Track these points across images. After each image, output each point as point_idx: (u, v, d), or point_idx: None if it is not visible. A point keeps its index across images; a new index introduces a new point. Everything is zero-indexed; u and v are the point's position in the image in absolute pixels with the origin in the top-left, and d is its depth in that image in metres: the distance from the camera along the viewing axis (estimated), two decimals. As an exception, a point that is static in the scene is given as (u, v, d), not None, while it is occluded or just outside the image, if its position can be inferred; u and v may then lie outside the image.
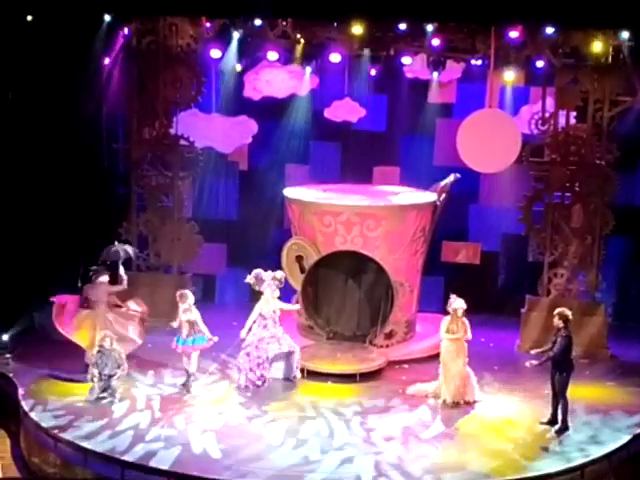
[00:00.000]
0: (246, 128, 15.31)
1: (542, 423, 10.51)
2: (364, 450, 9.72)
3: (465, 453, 9.72)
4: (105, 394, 10.82)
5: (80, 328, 11.39)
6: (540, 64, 13.14)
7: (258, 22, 13.15)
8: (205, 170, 14.64)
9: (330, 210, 12.62)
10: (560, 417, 10.40)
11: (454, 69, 14.38)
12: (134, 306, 11.74)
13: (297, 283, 12.83)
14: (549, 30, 12.35)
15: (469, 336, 11.06)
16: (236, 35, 13.54)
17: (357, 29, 12.76)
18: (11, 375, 11.65)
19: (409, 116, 15.01)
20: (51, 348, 11.89)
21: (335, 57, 13.70)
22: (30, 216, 13.80)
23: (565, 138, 13.11)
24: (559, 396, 10.41)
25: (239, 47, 13.73)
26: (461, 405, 10.99)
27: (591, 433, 10.31)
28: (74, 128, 13.80)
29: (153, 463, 9.27)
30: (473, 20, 12.38)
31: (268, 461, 9.39)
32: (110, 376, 10.84)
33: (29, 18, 12.75)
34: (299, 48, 13.76)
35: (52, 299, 11.54)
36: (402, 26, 12.80)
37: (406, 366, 12.41)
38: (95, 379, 10.81)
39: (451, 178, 13.20)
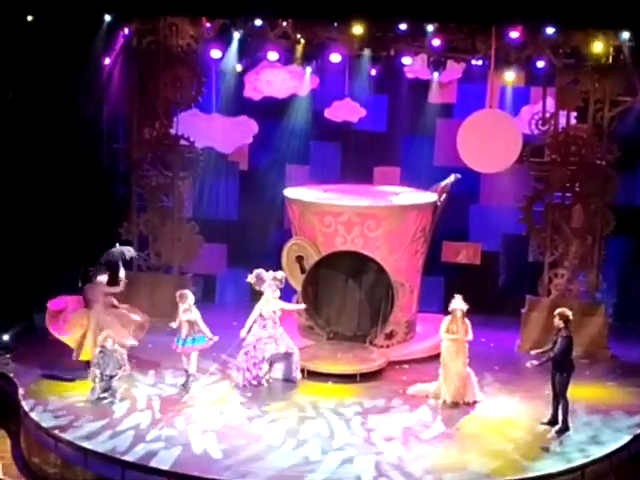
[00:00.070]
0: (246, 128, 15.31)
1: (542, 423, 10.51)
2: (364, 450, 9.72)
3: (465, 453, 9.72)
4: (106, 394, 10.82)
5: (72, 328, 11.38)
6: (541, 64, 13.13)
7: (258, 22, 13.14)
8: (205, 170, 14.64)
9: (330, 210, 12.62)
10: (560, 417, 10.40)
11: (454, 69, 14.38)
12: (134, 316, 11.69)
13: (297, 283, 12.83)
14: (550, 30, 12.34)
15: (469, 337, 11.05)
16: (236, 35, 13.53)
17: (357, 29, 12.76)
18: (11, 375, 11.65)
19: (409, 116, 15.00)
20: (51, 348, 11.88)
21: (335, 57, 13.70)
22: (30, 216, 13.81)
23: (565, 138, 13.11)
24: (559, 396, 10.40)
25: (239, 47, 13.73)
26: (461, 405, 10.99)
27: (591, 433, 10.31)
28: (74, 128, 13.81)
29: (153, 463, 9.27)
30: (473, 20, 12.37)
31: (268, 461, 9.39)
32: (111, 376, 10.84)
33: (29, 18, 12.74)
34: (299, 48, 13.75)
35: (48, 303, 11.53)
36: (402, 26, 12.79)
37: (406, 366, 12.41)
38: (97, 379, 10.81)
39: (451, 178, 13.20)
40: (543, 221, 13.33)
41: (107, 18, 13.02)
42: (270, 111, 15.13)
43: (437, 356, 11.47)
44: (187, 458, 9.41)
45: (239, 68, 14.58)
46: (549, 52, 12.78)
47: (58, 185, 13.96)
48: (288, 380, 11.64)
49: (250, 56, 14.24)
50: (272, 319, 11.54)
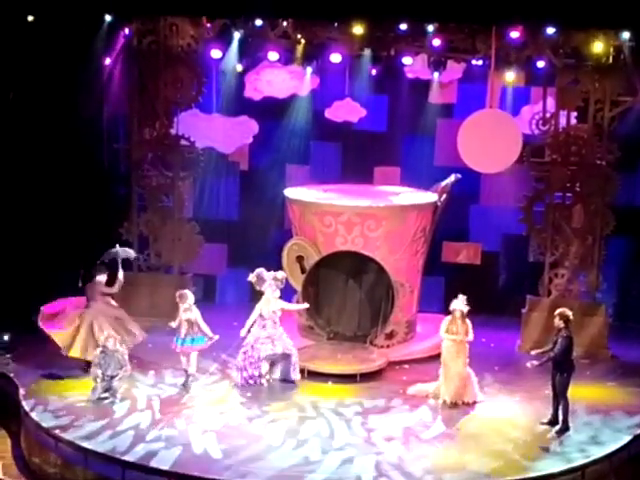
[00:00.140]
0: (247, 128, 15.32)
1: (543, 423, 10.51)
2: (365, 450, 9.72)
3: (466, 453, 9.72)
4: (107, 394, 10.82)
5: (68, 324, 11.41)
6: (541, 64, 13.12)
7: (259, 22, 13.15)
8: (206, 170, 14.65)
9: (331, 210, 12.62)
10: (561, 417, 10.40)
11: (455, 69, 14.38)
12: (131, 327, 11.65)
13: (298, 283, 12.83)
14: (550, 30, 12.34)
15: (470, 338, 11.04)
16: (237, 35, 13.54)
17: (358, 29, 12.76)
18: (12, 375, 11.65)
19: (410, 116, 15.00)
20: (52, 348, 11.86)
21: (336, 57, 13.69)
22: (31, 216, 13.81)
23: (566, 138, 13.11)
24: (560, 396, 10.40)
25: (240, 47, 13.73)
26: (460, 406, 10.99)
27: (592, 433, 10.31)
28: (75, 128, 13.81)
29: (154, 463, 9.27)
30: (474, 20, 12.37)
31: (268, 461, 9.39)
32: (112, 377, 10.84)
33: (30, 18, 12.74)
34: (300, 48, 13.75)
35: (43, 308, 11.55)
36: (403, 26, 12.79)
37: (407, 366, 12.41)
38: (98, 379, 10.81)
39: (452, 178, 13.19)
40: (543, 221, 13.33)
41: (107, 18, 13.03)
42: (270, 111, 15.13)
43: (437, 356, 11.47)
44: (187, 458, 9.41)
45: (239, 68, 14.58)
46: (549, 52, 12.78)
47: (58, 185, 13.96)
48: (286, 381, 11.63)
49: (250, 56, 14.24)
50: (272, 319, 11.54)
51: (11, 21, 12.75)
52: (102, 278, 11.66)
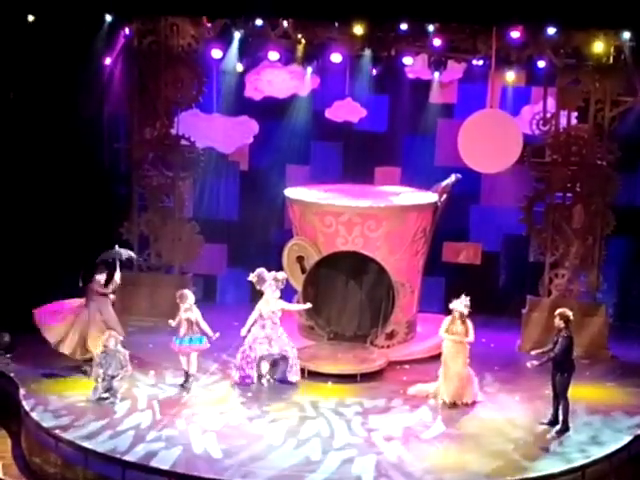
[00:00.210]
0: (247, 128, 15.31)
1: (543, 424, 10.51)
2: (365, 450, 9.72)
3: (466, 453, 9.72)
4: (107, 394, 10.81)
5: (63, 319, 11.44)
6: (541, 64, 13.13)
7: (259, 22, 13.15)
8: (206, 170, 14.64)
9: (331, 210, 12.62)
10: (561, 418, 10.40)
11: (455, 69, 14.38)
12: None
13: (298, 283, 12.82)
14: (550, 30, 12.33)
15: (470, 339, 11.03)
16: (237, 35, 13.55)
17: (358, 29, 12.75)
18: (12, 375, 11.65)
19: (410, 116, 14.99)
20: (52, 348, 11.86)
21: (336, 57, 13.69)
22: (31, 216, 13.81)
23: (566, 138, 13.11)
24: (560, 397, 10.40)
25: (240, 47, 13.74)
26: (459, 406, 10.99)
27: (592, 434, 10.31)
28: (75, 128, 13.82)
29: (154, 463, 9.27)
30: (474, 20, 12.36)
31: (269, 461, 9.39)
32: (113, 377, 10.84)
33: (30, 18, 12.74)
34: (300, 48, 13.74)
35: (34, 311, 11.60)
36: (403, 26, 12.79)
37: (407, 366, 12.41)
38: (99, 379, 10.81)
39: (452, 178, 13.19)
40: (544, 221, 13.33)
41: (108, 18, 13.02)
42: (271, 111, 15.13)
43: (438, 356, 11.47)
44: (187, 458, 9.41)
45: (240, 68, 14.57)
46: (550, 52, 12.77)
47: (59, 185, 13.96)
48: (284, 382, 11.62)
49: (251, 56, 14.24)
50: (271, 319, 11.54)
51: (11, 21, 12.74)
52: (101, 278, 11.66)
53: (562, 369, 10.33)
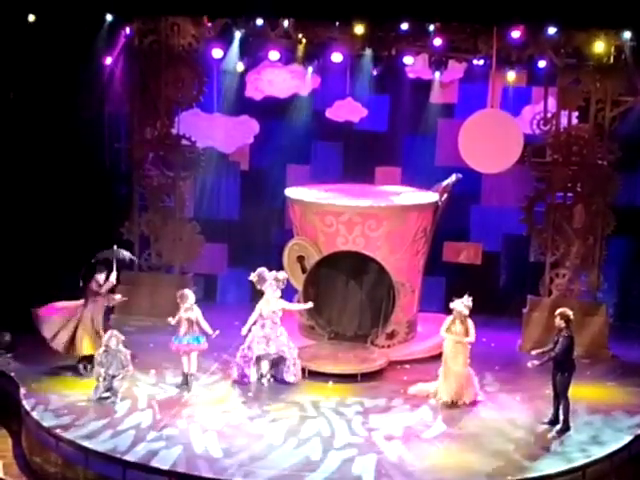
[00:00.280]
0: (248, 128, 15.31)
1: (543, 423, 10.51)
2: (365, 450, 9.72)
3: (466, 453, 9.72)
4: (108, 394, 10.82)
5: (61, 314, 11.47)
6: (542, 64, 13.12)
7: (260, 22, 13.15)
8: (207, 170, 14.66)
9: (332, 210, 12.62)
10: (561, 417, 10.40)
11: (456, 69, 14.37)
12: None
13: (298, 283, 12.82)
14: (551, 30, 12.34)
15: (470, 339, 11.03)
16: (238, 35, 13.54)
17: (359, 29, 12.76)
18: (13, 374, 11.65)
19: (411, 116, 14.99)
20: (53, 347, 11.86)
21: (337, 57, 13.67)
22: (32, 216, 13.82)
23: (567, 138, 13.11)
24: (560, 396, 10.40)
25: (241, 47, 13.73)
26: (458, 405, 10.98)
27: (592, 433, 10.31)
28: (76, 128, 13.83)
29: (154, 463, 9.27)
30: (475, 20, 12.36)
31: (269, 461, 9.39)
32: (114, 376, 10.84)
33: (31, 18, 12.74)
34: (301, 48, 13.72)
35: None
36: (404, 26, 12.79)
37: (407, 366, 12.41)
38: (100, 378, 10.81)
39: (453, 178, 13.19)
40: (544, 221, 13.33)
41: (109, 18, 13.02)
42: (271, 111, 15.13)
43: (438, 356, 11.48)
44: (188, 458, 9.41)
45: (240, 68, 14.56)
46: (551, 52, 12.77)
47: (60, 185, 13.97)
48: (282, 382, 11.62)
49: (251, 56, 14.23)
50: (271, 319, 11.54)
51: (12, 21, 12.74)
52: (100, 278, 11.66)
53: (563, 369, 10.33)
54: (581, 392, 10.96)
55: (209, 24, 13.50)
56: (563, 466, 9.46)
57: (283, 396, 11.25)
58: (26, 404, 10.66)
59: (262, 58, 14.40)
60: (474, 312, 11.19)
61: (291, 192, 13.39)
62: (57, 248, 13.77)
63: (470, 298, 11.03)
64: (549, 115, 13.22)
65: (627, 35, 12.27)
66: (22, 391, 11.04)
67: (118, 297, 12.10)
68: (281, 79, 15.01)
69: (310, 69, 14.76)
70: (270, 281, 11.58)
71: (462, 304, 11.02)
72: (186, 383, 11.27)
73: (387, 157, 15.18)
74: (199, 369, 11.53)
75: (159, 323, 12.17)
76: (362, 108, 15.07)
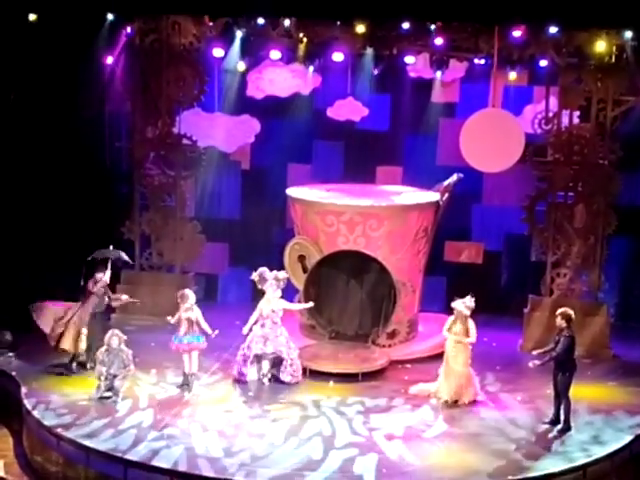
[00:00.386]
0: (249, 127, 15.30)
1: (544, 423, 10.51)
2: (366, 449, 9.72)
3: (467, 453, 9.72)
4: (110, 393, 10.82)
5: (61, 310, 11.53)
6: (543, 63, 13.11)
7: (261, 21, 13.15)
8: (208, 169, 14.65)
9: (333, 210, 12.61)
10: (562, 417, 10.40)
11: (457, 68, 14.36)
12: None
13: (299, 283, 12.82)
14: (552, 30, 12.32)
15: (470, 339, 11.02)
16: (239, 34, 13.54)
17: (360, 28, 12.76)
18: (14, 373, 11.66)
19: (412, 115, 14.97)
20: (53, 347, 11.86)
21: (338, 56, 13.66)
22: (32, 215, 13.82)
23: (568, 138, 13.10)
24: (561, 396, 10.40)
25: (242, 46, 13.74)
26: (458, 405, 10.98)
27: (593, 433, 10.31)
28: (77, 127, 13.81)
29: (155, 462, 9.28)
30: (476, 19, 12.35)
31: (270, 460, 9.40)
32: (115, 375, 10.84)
33: (32, 17, 12.74)
34: (302, 47, 13.71)
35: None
36: (405, 25, 12.78)
37: (408, 366, 12.41)
38: (102, 377, 10.82)
39: (454, 178, 13.18)
40: (546, 220, 13.32)
41: (110, 17, 13.02)
42: (272, 110, 15.12)
43: (439, 356, 11.48)
44: (189, 457, 9.41)
45: (241, 67, 14.56)
46: (552, 51, 12.76)
47: (60, 184, 13.96)
48: (280, 381, 11.61)
49: (252, 55, 14.22)
50: (271, 319, 11.54)
51: (13, 20, 12.74)
52: (99, 276, 11.68)
53: (564, 368, 10.32)
54: (582, 392, 10.96)
55: (210, 23, 13.49)
56: (564, 466, 9.46)
57: (284, 396, 11.25)
58: (27, 403, 10.67)
59: (263, 57, 14.39)
60: (475, 311, 11.18)
61: (292, 191, 13.39)
62: (58, 247, 13.76)
63: (472, 299, 11.02)
64: (550, 114, 13.21)
65: (628, 35, 12.26)
66: (23, 390, 11.04)
67: (125, 297, 12.11)
68: (282, 78, 15.00)
69: (311, 68, 14.74)
70: (270, 281, 11.58)
71: (463, 304, 11.02)
72: (187, 383, 11.27)
73: (388, 156, 15.16)
74: (200, 369, 11.52)
75: (160, 322, 12.16)
76: (363, 107, 15.05)
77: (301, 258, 12.88)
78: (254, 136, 15.36)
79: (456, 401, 11.01)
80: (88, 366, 11.61)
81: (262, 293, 11.67)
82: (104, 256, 11.90)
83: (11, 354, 12.28)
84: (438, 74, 14.41)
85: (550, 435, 10.25)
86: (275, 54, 13.80)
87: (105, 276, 11.73)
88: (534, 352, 10.86)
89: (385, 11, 12.02)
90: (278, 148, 15.15)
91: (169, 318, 11.27)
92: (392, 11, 12.03)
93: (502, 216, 14.80)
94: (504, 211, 14.69)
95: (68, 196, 14.03)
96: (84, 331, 11.51)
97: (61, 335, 11.47)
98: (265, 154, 15.33)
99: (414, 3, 11.88)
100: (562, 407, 10.40)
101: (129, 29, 13.57)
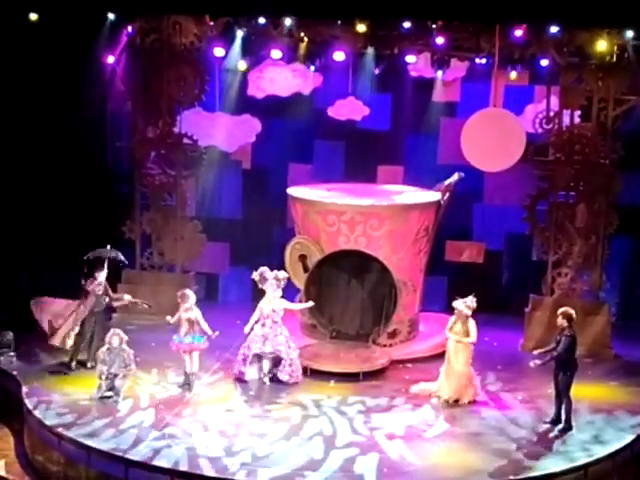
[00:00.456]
0: (250, 127, 15.30)
1: (545, 422, 10.50)
2: (367, 449, 9.71)
3: (468, 452, 9.71)
4: (111, 393, 10.81)
5: (62, 306, 11.59)
6: (545, 63, 13.11)
7: (262, 20, 13.15)
8: (208, 169, 14.65)
9: (334, 209, 12.61)
10: (564, 417, 10.39)
11: (458, 68, 14.35)
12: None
13: (300, 282, 12.82)
14: (554, 29, 12.32)
15: (471, 339, 11.01)
16: (240, 33, 13.55)
17: (361, 27, 12.76)
18: (15, 373, 11.67)
19: (413, 115, 14.97)
20: (55, 346, 11.86)
21: (339, 55, 13.66)
22: (33, 215, 13.82)
23: (569, 137, 13.09)
24: (563, 396, 10.39)
25: (243, 45, 13.75)
26: (458, 404, 10.97)
27: (595, 433, 10.30)
28: (78, 126, 13.82)
29: (157, 461, 9.28)
30: (477, 19, 12.35)
31: (271, 460, 9.39)
32: (115, 375, 10.83)
33: (33, 17, 12.74)
34: (303, 46, 13.72)
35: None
36: (406, 24, 12.78)
37: (409, 365, 12.40)
38: (103, 376, 10.82)
39: (455, 177, 13.18)
40: (547, 220, 13.31)
41: (111, 16, 13.02)
42: (273, 109, 15.12)
43: (440, 355, 11.48)
44: (190, 456, 9.41)
45: (242, 66, 14.56)
46: (553, 51, 12.75)
47: (61, 184, 13.97)
48: (279, 381, 11.61)
49: (253, 54, 14.22)
50: (271, 318, 11.54)
51: (14, 20, 12.74)
52: (98, 275, 11.69)
53: (565, 368, 10.32)
54: (583, 391, 10.95)
55: (211, 23, 13.50)
56: (565, 465, 9.45)
57: (285, 395, 11.25)
58: (28, 403, 10.67)
59: (264, 57, 14.38)
60: (476, 311, 11.17)
61: (293, 191, 13.39)
62: (58, 247, 13.76)
63: (474, 299, 11.01)
64: (551, 114, 13.20)
65: (630, 34, 12.26)
66: (24, 390, 11.04)
67: (127, 297, 12.10)
68: (283, 78, 14.99)
69: (312, 68, 14.73)
70: (271, 280, 11.59)
71: (464, 304, 11.01)
72: (188, 382, 11.26)
73: (389, 156, 15.16)
74: (201, 368, 11.52)
75: (161, 322, 12.15)
76: (364, 107, 15.04)
77: (302, 258, 12.87)
78: (255, 135, 15.35)
79: (457, 400, 11.01)
80: (89, 365, 11.63)
81: (263, 293, 11.67)
82: (100, 255, 11.90)
83: (12, 354, 12.27)
84: (439, 73, 14.41)
85: (551, 435, 10.24)
86: (276, 53, 13.79)
87: (100, 276, 11.73)
88: (535, 352, 10.86)
89: (386, 10, 12.01)
90: (279, 147, 15.15)
91: (169, 318, 11.27)
92: (393, 10, 12.02)
93: (503, 215, 14.79)
94: (505, 210, 14.69)
95: (69, 196, 14.04)
96: (76, 329, 11.51)
97: (54, 330, 11.48)
98: (266, 153, 15.33)
99: (415, 2, 11.88)
100: (563, 407, 10.40)
101: (130, 29, 13.58)
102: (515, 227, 14.22)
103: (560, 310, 10.52)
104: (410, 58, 13.89)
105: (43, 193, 13.87)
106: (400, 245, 12.69)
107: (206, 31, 13.59)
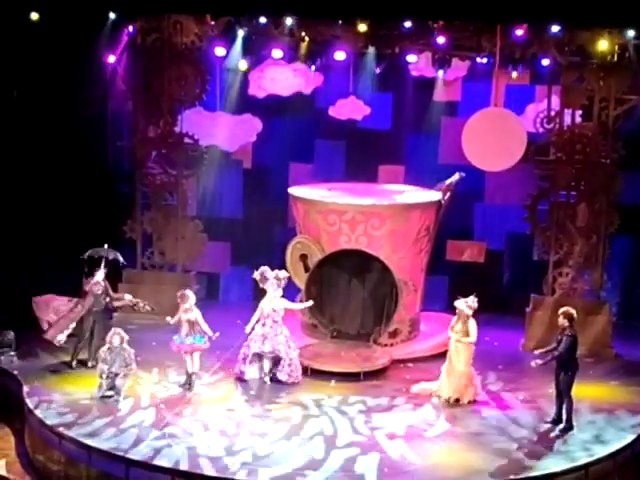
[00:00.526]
0: (250, 126, 15.30)
1: (546, 422, 10.50)
2: (368, 449, 9.71)
3: (469, 452, 9.71)
4: (111, 392, 10.82)
5: (63, 304, 11.63)
6: (546, 62, 13.10)
7: (263, 20, 13.15)
8: (209, 168, 14.65)
9: (335, 209, 12.61)
10: (565, 416, 10.39)
11: (459, 67, 14.34)
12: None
13: (301, 282, 12.82)
14: (555, 28, 12.31)
15: (471, 339, 11.00)
16: (241, 33, 13.54)
17: (362, 27, 12.75)
18: (16, 372, 11.67)
19: (414, 114, 14.97)
20: (55, 345, 11.88)
21: (340, 55, 13.65)
22: (34, 215, 13.83)
23: (570, 137, 13.08)
24: (564, 395, 10.39)
25: (244, 45, 13.73)
26: (459, 404, 10.96)
27: (595, 432, 10.29)
28: (79, 126, 13.83)
29: (157, 461, 9.28)
30: (479, 18, 12.35)
31: (272, 459, 9.39)
32: (116, 374, 10.84)
33: (34, 16, 12.74)
34: (304, 46, 13.71)
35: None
36: (407, 24, 12.77)
37: (410, 365, 12.40)
38: (103, 375, 10.82)
39: (456, 177, 13.18)
40: (548, 220, 13.31)
41: (112, 16, 13.03)
42: (274, 109, 15.11)
43: (441, 355, 11.48)
44: (190, 456, 9.41)
45: (243, 66, 14.55)
46: (554, 50, 12.74)
47: (62, 183, 13.98)
48: (275, 380, 11.62)
49: (254, 54, 14.21)
50: (272, 318, 11.54)
51: (15, 19, 12.75)
52: (97, 274, 11.70)
53: (566, 368, 10.31)
54: (584, 391, 10.95)
55: (212, 22, 13.50)
56: (566, 465, 9.44)
57: (286, 395, 11.25)
58: (29, 402, 10.68)
59: (265, 56, 14.38)
60: (477, 311, 11.16)
61: (294, 190, 13.39)
62: (59, 247, 13.77)
63: (475, 299, 11.01)
64: (552, 113, 13.20)
65: (631, 33, 12.25)
66: (25, 389, 11.05)
67: (128, 297, 12.10)
68: (284, 77, 14.98)
69: (313, 67, 14.73)
70: (272, 280, 11.59)
71: (465, 304, 11.01)
72: (189, 382, 11.26)
73: (390, 155, 15.16)
74: (201, 368, 11.52)
75: (162, 321, 12.16)
76: (365, 106, 15.03)
77: (303, 257, 12.87)
78: (256, 135, 15.35)
79: (457, 400, 11.01)
80: (90, 364, 11.64)
81: (264, 292, 11.67)
82: (98, 254, 11.91)
83: (13, 353, 12.28)
84: (440, 73, 14.39)
85: (552, 434, 10.24)
86: (277, 53, 13.79)
87: (98, 275, 11.73)
88: (536, 351, 10.84)
89: (387, 10, 12.02)
90: (280, 147, 15.15)
91: (169, 319, 11.27)
92: (394, 10, 12.03)
93: (504, 215, 14.79)
94: (506, 210, 14.68)
95: (70, 195, 14.04)
96: (70, 327, 11.52)
97: (49, 325, 11.50)
98: (267, 153, 15.33)
99: (416, 2, 11.89)
100: (564, 406, 10.39)
101: (131, 28, 13.58)
102: (516, 227, 14.22)
103: (561, 310, 10.51)
104: (411, 57, 13.88)
105: (44, 192, 13.88)
106: (401, 245, 12.69)
107: (207, 30, 13.60)
